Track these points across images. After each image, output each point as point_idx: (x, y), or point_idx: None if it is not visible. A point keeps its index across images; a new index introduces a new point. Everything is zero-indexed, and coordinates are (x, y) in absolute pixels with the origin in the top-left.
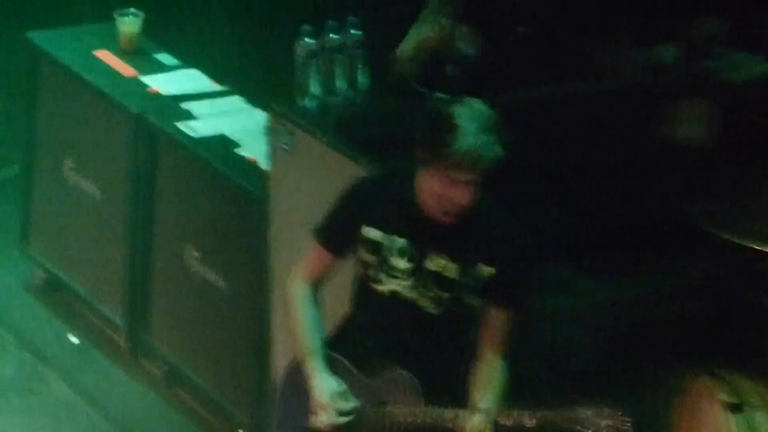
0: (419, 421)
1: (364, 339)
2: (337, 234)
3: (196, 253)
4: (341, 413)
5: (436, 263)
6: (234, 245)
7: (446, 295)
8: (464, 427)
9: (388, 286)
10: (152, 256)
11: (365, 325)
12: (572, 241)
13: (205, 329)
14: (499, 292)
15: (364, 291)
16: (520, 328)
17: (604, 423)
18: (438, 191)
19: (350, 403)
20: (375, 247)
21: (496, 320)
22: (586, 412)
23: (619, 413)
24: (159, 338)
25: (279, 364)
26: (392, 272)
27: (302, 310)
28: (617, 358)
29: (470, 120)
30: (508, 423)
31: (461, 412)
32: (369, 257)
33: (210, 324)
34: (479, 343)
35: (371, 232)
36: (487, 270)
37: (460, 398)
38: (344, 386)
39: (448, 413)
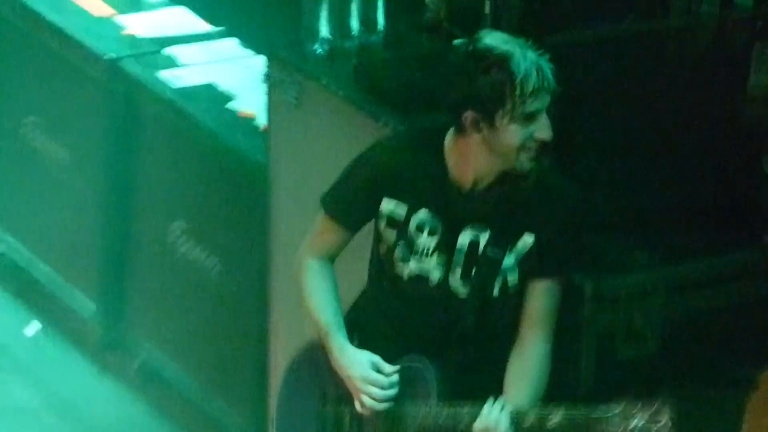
0: (431, 424)
1: (381, 326)
2: (349, 206)
3: (182, 230)
4: (385, 386)
5: (471, 237)
6: (228, 220)
7: (482, 273)
8: (480, 429)
9: (410, 266)
10: (131, 233)
11: (384, 311)
12: (626, 206)
13: (192, 321)
14: (544, 262)
15: (382, 272)
16: (565, 309)
17: (633, 423)
18: (517, 141)
19: (391, 370)
20: (396, 222)
21: (539, 297)
22: (613, 410)
23: (653, 409)
24: (137, 330)
25: (279, 362)
26: (417, 251)
27: (315, 286)
28: (676, 348)
29: (508, 43)
30: (528, 424)
31: (481, 411)
32: (389, 234)
33: (198, 314)
34: (520, 326)
35: (392, 205)
36: (530, 239)
37: (490, 392)
38: (377, 356)
39: (465, 413)
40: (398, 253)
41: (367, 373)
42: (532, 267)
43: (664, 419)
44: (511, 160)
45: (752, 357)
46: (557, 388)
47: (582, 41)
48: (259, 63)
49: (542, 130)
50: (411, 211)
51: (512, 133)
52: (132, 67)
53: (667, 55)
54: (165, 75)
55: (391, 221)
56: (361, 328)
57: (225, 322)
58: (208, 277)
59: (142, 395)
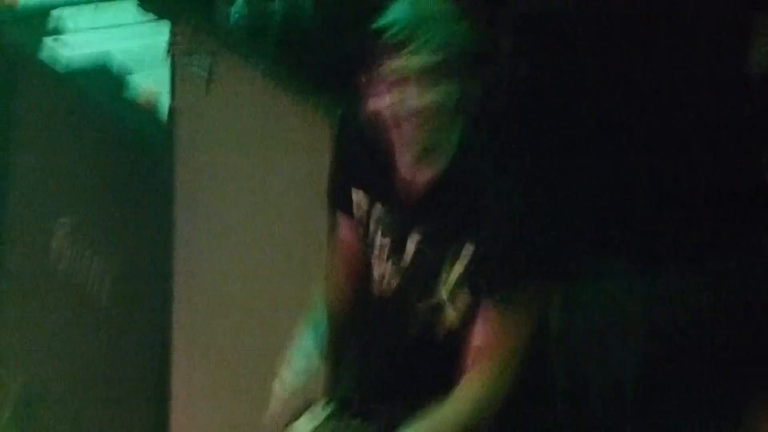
0: None
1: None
2: (341, 191)
3: (67, 234)
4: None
5: (415, 242)
6: (123, 221)
7: (426, 292)
8: None
9: (374, 270)
10: (3, 238)
11: (355, 340)
12: (595, 206)
13: (75, 351)
14: (487, 277)
15: (354, 287)
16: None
17: None
18: (383, 105)
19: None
20: (361, 217)
21: (483, 324)
22: None
23: None
24: (6, 363)
25: (181, 408)
26: (376, 253)
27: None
28: (663, 375)
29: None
30: None
31: None
32: (357, 231)
33: (84, 343)
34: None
35: (358, 195)
36: (472, 249)
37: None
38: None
39: None
40: (365, 257)
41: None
42: (476, 283)
43: None
44: (391, 132)
45: (752, 382)
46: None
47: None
48: (164, 31)
49: (408, 97)
50: (370, 205)
51: (380, 98)
52: (11, 36)
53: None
54: (50, 45)
55: (359, 216)
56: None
57: (115, 354)
58: (96, 298)
59: None
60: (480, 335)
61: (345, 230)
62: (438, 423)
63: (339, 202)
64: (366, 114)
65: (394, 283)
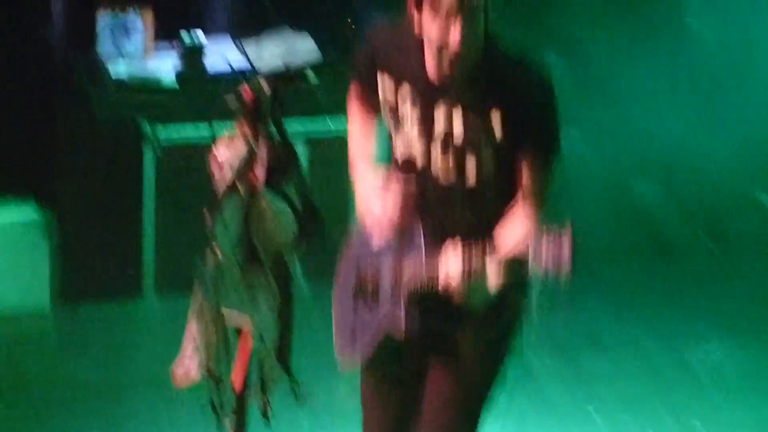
0: (419, 272)
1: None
2: (367, 72)
3: None
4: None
5: (444, 119)
6: None
7: (457, 158)
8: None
9: (399, 139)
10: None
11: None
12: None
13: None
14: (525, 137)
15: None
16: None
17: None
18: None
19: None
20: (387, 93)
21: (529, 173)
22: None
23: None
24: None
25: None
26: (402, 123)
27: (355, 135)
28: None
29: None
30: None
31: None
32: (385, 108)
33: None
34: (518, 202)
35: (383, 76)
36: (502, 121)
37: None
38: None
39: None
40: (392, 132)
41: (371, 191)
42: (513, 145)
43: (568, 247)
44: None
45: None
46: None
47: None
48: None
49: (451, 34)
50: (398, 84)
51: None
52: None
53: None
54: None
55: (385, 93)
56: None
57: None
58: None
59: None
60: (524, 177)
61: (363, 99)
62: (510, 235)
63: (365, 78)
64: (404, 16)
65: (419, 147)
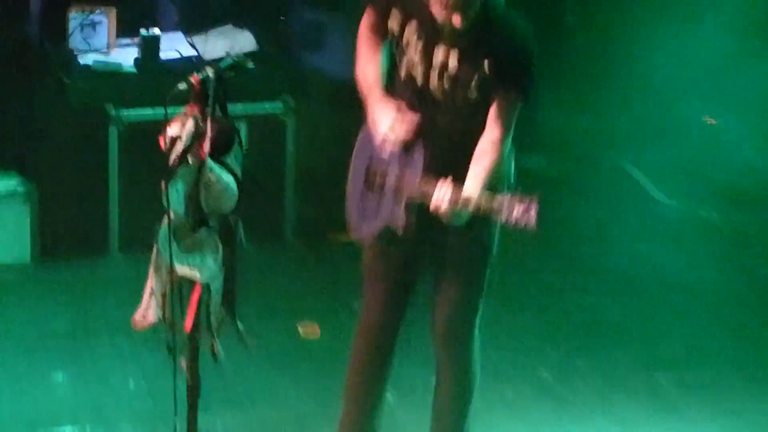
0: (415, 192)
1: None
2: (381, 3)
3: None
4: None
5: (443, 54)
6: None
7: (451, 84)
8: (433, 198)
9: (404, 66)
10: None
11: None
12: None
13: None
14: (501, 79)
15: (392, 75)
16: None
17: (515, 211)
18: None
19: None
20: (396, 30)
21: (497, 107)
22: (507, 198)
23: (529, 199)
24: None
25: None
26: (407, 53)
27: (364, 55)
28: None
29: None
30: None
31: (437, 185)
32: (394, 40)
33: None
34: (485, 129)
35: (395, 13)
36: (488, 63)
37: (458, 175)
38: (398, 110)
39: (431, 185)
40: (398, 55)
41: (389, 120)
42: (493, 83)
43: (534, 210)
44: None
45: None
46: None
47: None
48: None
49: None
50: (406, 19)
51: None
52: None
53: None
54: None
55: (394, 25)
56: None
57: None
58: None
59: None
60: (493, 115)
61: (375, 26)
62: (486, 167)
63: (379, 9)
64: None
65: (420, 77)
